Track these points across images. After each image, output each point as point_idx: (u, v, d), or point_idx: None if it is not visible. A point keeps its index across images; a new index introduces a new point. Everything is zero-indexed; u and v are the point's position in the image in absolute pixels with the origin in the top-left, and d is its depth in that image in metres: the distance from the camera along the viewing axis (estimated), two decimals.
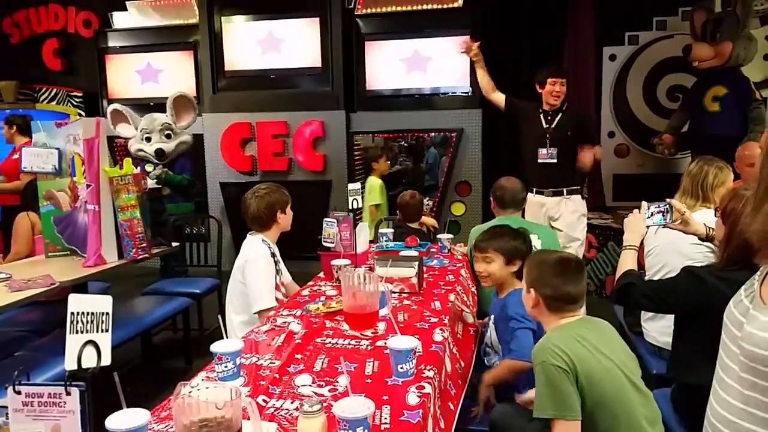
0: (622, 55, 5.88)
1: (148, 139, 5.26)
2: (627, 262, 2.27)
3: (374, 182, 5.40)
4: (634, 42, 5.85)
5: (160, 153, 5.18)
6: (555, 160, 4.04)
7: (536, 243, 3.03)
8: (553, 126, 4.07)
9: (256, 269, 2.71)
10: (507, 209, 3.28)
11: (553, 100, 4.05)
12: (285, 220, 2.92)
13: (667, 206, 2.33)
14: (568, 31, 5.88)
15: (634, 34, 5.84)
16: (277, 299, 2.73)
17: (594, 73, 5.88)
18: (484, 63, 4.31)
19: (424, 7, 6.00)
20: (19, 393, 1.16)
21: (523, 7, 6.14)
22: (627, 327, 3.14)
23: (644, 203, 2.38)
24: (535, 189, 4.16)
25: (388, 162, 5.56)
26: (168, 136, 5.26)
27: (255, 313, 2.67)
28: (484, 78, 4.33)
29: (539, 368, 1.68)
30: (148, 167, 5.21)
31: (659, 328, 2.74)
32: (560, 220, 4.11)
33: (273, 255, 2.81)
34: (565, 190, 4.10)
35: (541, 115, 4.12)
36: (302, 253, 4.53)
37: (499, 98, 4.32)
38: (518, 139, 4.32)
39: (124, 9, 6.80)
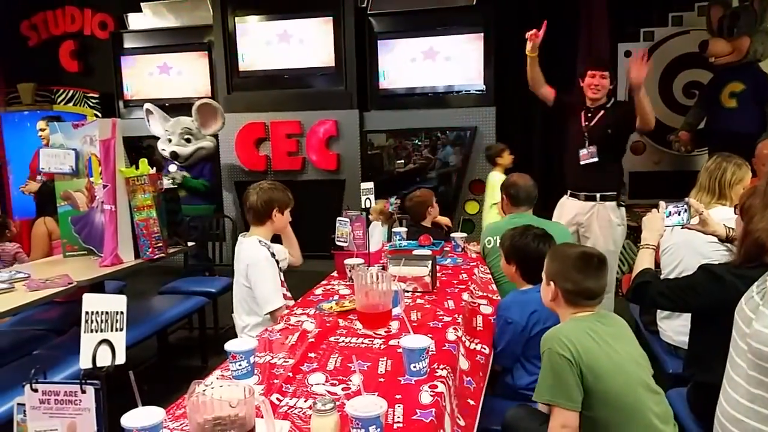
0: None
1: (169, 140, 5.48)
2: (644, 260, 2.25)
3: (499, 178, 4.82)
4: (649, 38, 5.78)
5: (173, 155, 5.43)
6: (596, 159, 3.78)
7: None
8: (592, 124, 3.84)
9: (259, 273, 2.70)
10: (521, 207, 3.26)
11: (591, 94, 3.81)
12: (281, 221, 2.88)
13: (686, 206, 2.31)
14: (582, 28, 5.82)
15: (649, 31, 5.77)
16: (284, 296, 2.75)
17: None
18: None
19: (438, 5, 5.98)
20: (36, 391, 1.17)
21: (537, 4, 6.10)
22: (643, 326, 3.12)
23: (662, 203, 2.36)
24: (569, 192, 3.98)
25: (512, 155, 5.20)
26: (188, 140, 5.53)
27: (266, 314, 2.68)
28: (535, 70, 3.94)
29: (545, 354, 1.72)
30: (172, 168, 5.37)
31: (675, 327, 2.71)
32: (589, 230, 3.85)
33: (273, 255, 2.79)
34: (598, 195, 3.85)
35: (582, 112, 3.89)
36: (315, 251, 4.55)
37: (548, 93, 4.01)
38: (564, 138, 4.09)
39: (140, 10, 6.86)
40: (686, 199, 2.36)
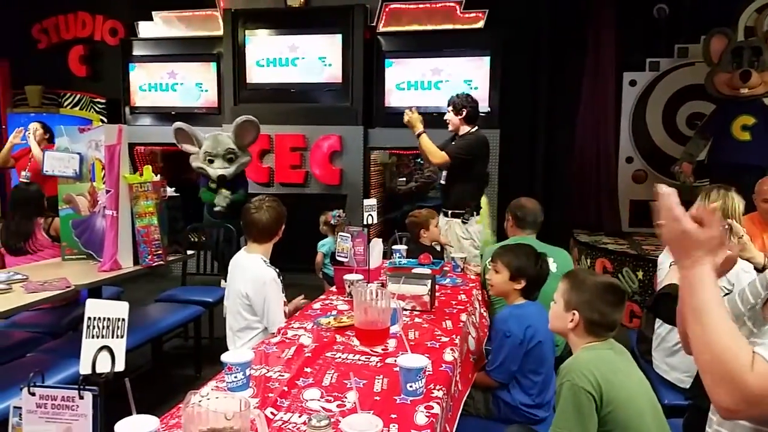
0: (642, 81, 5.87)
1: (211, 161, 5.33)
2: (673, 276, 2.23)
3: None
4: (654, 68, 5.84)
5: (222, 179, 5.30)
6: (444, 182, 4.31)
7: (552, 267, 3.02)
8: None
9: (270, 295, 2.68)
10: (526, 230, 3.27)
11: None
12: (281, 233, 2.91)
13: (727, 228, 2.24)
14: (589, 56, 5.88)
15: (655, 61, 5.83)
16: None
17: (614, 98, 5.87)
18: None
19: (446, 27, 6.04)
20: (33, 394, 1.17)
21: (544, 30, 6.16)
22: (639, 353, 3.11)
23: None
24: None
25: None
26: (230, 161, 5.37)
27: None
28: (431, 145, 4.28)
29: (567, 386, 1.68)
30: (219, 200, 5.36)
31: (672, 362, 2.70)
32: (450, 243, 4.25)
33: (279, 275, 2.78)
34: (449, 212, 4.27)
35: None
36: (314, 266, 4.55)
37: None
38: None
39: (151, 19, 6.92)
40: (728, 220, 2.32)
